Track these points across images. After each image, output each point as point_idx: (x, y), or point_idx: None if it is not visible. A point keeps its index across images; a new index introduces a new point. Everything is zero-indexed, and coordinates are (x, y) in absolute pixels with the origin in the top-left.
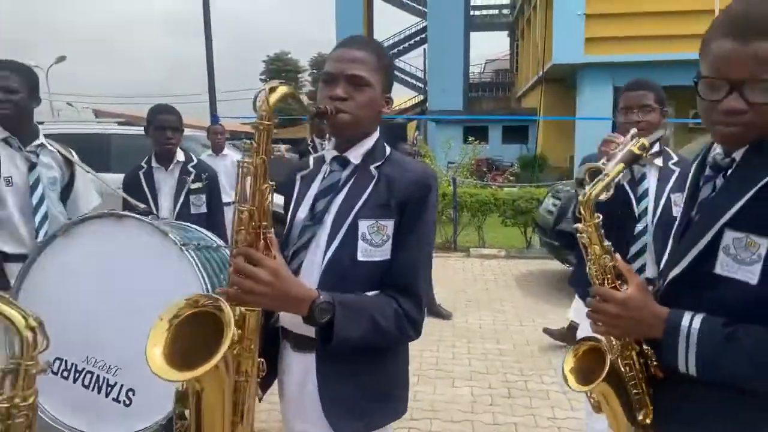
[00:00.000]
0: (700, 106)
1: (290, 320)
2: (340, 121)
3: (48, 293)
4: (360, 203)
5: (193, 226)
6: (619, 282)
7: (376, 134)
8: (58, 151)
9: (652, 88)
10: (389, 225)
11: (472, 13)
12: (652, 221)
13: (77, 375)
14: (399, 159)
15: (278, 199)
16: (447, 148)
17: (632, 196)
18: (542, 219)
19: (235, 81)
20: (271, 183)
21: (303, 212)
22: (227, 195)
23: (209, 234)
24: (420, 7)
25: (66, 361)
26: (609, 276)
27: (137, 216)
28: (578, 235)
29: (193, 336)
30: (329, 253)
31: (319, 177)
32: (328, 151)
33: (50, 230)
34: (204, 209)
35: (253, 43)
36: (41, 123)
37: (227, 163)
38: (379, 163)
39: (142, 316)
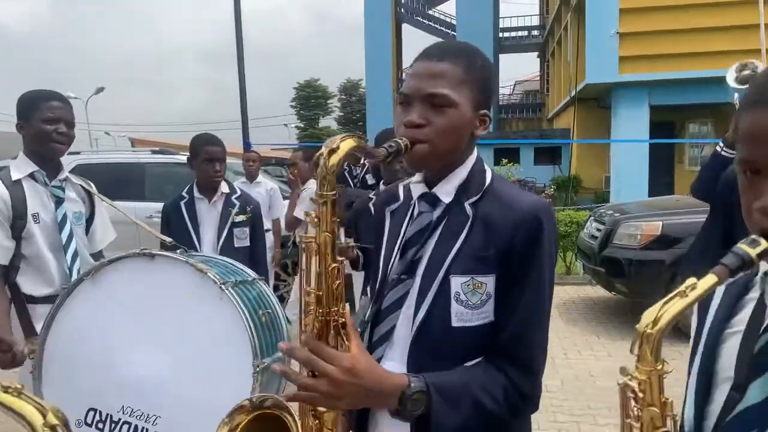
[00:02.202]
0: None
1: None
2: (417, 155)
3: (77, 340)
4: (452, 255)
5: (224, 258)
6: None
7: (472, 160)
8: (80, 185)
9: None
10: (489, 281)
11: (501, 35)
12: None
13: (113, 426)
14: (500, 190)
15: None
16: None
17: None
18: (585, 244)
19: (271, 108)
20: (339, 260)
21: (395, 259)
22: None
23: (240, 266)
24: (448, 31)
25: (100, 412)
26: None
27: (171, 254)
28: None
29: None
30: (419, 318)
31: (409, 214)
32: (415, 184)
33: (79, 267)
34: (247, 242)
35: (286, 70)
36: (77, 153)
37: (261, 191)
38: (474, 199)
39: (182, 362)
